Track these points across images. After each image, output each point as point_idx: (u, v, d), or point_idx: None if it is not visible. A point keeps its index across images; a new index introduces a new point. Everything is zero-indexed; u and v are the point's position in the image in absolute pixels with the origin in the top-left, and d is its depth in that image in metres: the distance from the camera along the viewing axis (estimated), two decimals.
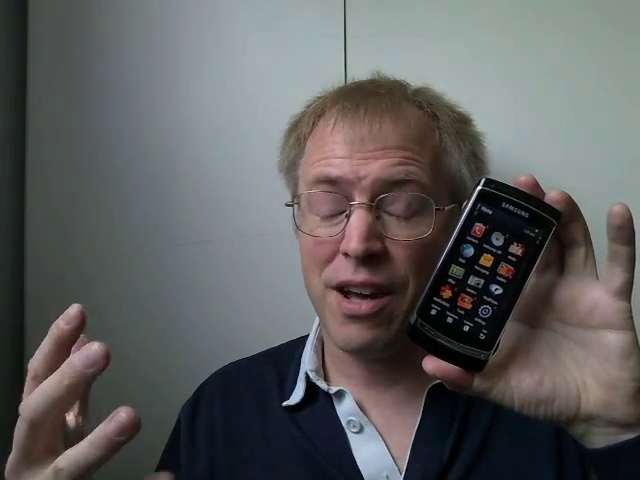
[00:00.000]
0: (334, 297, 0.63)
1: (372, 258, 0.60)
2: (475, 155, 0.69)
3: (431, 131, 0.65)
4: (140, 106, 0.95)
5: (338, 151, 0.62)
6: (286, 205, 0.69)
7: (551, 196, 0.44)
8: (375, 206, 0.60)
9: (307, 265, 0.66)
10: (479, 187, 0.44)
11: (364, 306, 0.61)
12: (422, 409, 0.65)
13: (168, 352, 0.93)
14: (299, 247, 0.69)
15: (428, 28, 0.92)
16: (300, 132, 0.69)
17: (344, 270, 0.61)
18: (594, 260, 0.46)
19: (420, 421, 0.65)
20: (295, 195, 0.70)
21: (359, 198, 0.61)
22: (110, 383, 0.93)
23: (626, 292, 0.44)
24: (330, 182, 0.62)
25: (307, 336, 0.77)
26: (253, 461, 0.69)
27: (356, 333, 0.61)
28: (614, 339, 0.44)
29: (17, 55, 0.97)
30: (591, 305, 0.45)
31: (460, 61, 0.91)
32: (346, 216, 0.61)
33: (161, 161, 0.95)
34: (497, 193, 0.44)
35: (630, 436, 0.44)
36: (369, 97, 0.65)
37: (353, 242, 0.58)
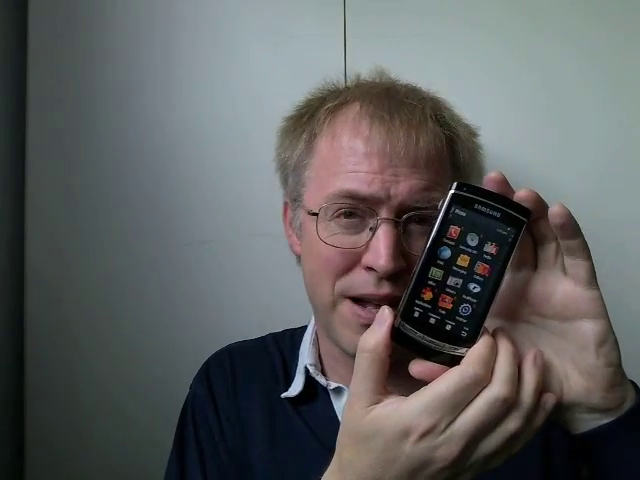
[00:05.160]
0: (348, 307, 0.62)
1: (395, 273, 0.60)
2: (482, 169, 0.71)
3: (453, 149, 0.66)
4: (142, 106, 0.95)
5: (368, 165, 0.61)
6: (308, 214, 0.65)
7: (519, 195, 0.46)
8: (402, 222, 0.61)
9: (318, 273, 0.64)
10: (452, 191, 0.46)
11: None
12: None
13: (171, 350, 0.93)
14: (305, 249, 0.68)
15: (428, 28, 0.92)
16: (313, 129, 0.66)
17: (365, 283, 0.61)
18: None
19: None
20: (298, 195, 0.68)
21: (386, 214, 0.60)
22: (116, 381, 0.94)
23: (593, 280, 0.46)
24: (358, 198, 0.61)
25: (304, 327, 0.77)
26: (258, 444, 0.70)
27: None
28: (590, 327, 0.46)
29: (17, 55, 0.97)
30: (564, 297, 0.47)
31: (459, 61, 0.91)
32: (370, 229, 0.61)
33: (164, 161, 0.95)
34: (469, 196, 0.46)
35: (611, 419, 0.47)
36: (401, 106, 0.64)
37: (382, 260, 0.58)
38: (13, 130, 0.97)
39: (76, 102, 0.96)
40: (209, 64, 0.95)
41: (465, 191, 0.46)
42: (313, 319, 0.76)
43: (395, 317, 0.47)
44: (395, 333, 0.47)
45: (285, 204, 0.74)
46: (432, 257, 0.46)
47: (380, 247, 0.59)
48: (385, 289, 0.60)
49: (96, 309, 0.95)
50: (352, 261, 0.62)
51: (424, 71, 0.87)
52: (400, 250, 0.60)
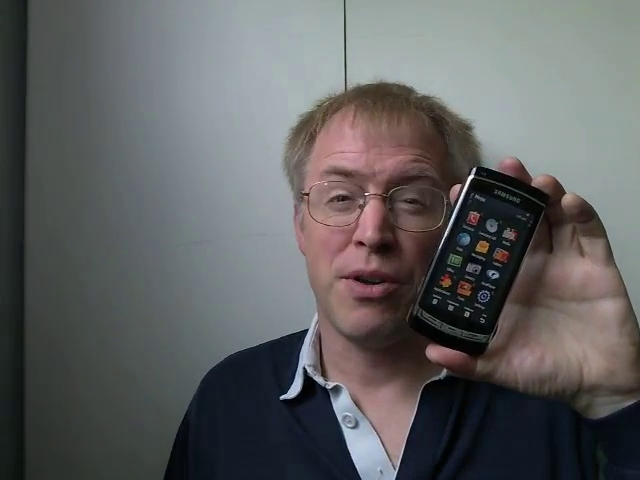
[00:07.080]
0: (344, 284, 0.64)
1: (384, 248, 0.62)
2: (476, 161, 0.72)
3: (439, 135, 0.68)
4: (138, 107, 0.95)
5: (354, 145, 0.64)
6: (301, 194, 0.69)
7: (538, 181, 0.46)
8: (389, 198, 0.62)
9: (317, 254, 0.67)
10: (471, 176, 0.46)
11: (375, 289, 0.62)
12: (417, 406, 0.66)
13: (167, 352, 0.93)
14: (306, 238, 0.70)
15: (428, 28, 0.91)
16: (311, 128, 0.70)
17: (356, 259, 0.62)
18: None
19: (415, 418, 0.65)
20: (301, 189, 0.71)
21: (373, 190, 0.63)
22: (109, 383, 0.93)
23: (611, 257, 0.47)
24: (345, 174, 0.64)
25: (306, 331, 0.77)
26: (250, 452, 0.70)
27: (366, 317, 0.63)
28: (610, 307, 0.46)
29: (17, 55, 0.97)
30: (583, 278, 0.47)
31: (460, 61, 0.91)
32: (359, 206, 0.63)
33: (159, 162, 0.95)
34: (489, 181, 0.46)
35: (633, 401, 0.46)
36: (386, 96, 0.68)
37: (369, 232, 0.60)
38: (13, 130, 0.97)
39: (75, 102, 0.96)
40: (207, 64, 0.95)
41: (485, 176, 0.45)
42: (313, 321, 0.76)
43: (413, 304, 0.46)
44: (413, 321, 0.46)
45: (295, 207, 0.76)
46: (451, 244, 0.46)
47: (367, 220, 0.61)
48: (373, 264, 0.62)
49: (90, 308, 0.95)
50: (345, 239, 0.64)
51: (425, 70, 0.87)
52: (387, 224, 0.62)
